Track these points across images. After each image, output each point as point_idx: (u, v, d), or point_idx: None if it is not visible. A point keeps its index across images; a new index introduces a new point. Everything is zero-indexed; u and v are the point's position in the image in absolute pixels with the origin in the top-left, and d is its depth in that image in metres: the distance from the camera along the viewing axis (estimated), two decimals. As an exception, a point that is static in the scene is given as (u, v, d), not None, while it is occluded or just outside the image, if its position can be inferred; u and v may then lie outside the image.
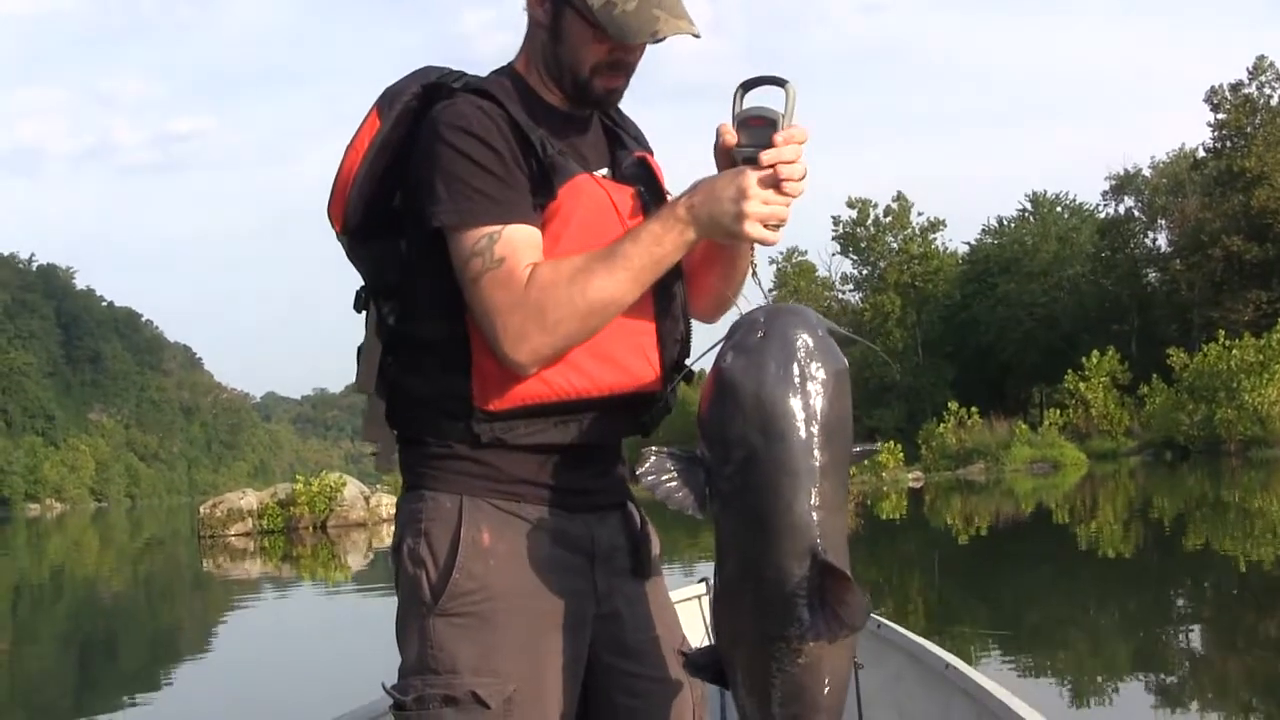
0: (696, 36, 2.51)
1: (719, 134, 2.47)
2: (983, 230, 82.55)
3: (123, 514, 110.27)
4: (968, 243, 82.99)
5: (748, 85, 2.45)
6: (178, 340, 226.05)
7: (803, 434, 2.17)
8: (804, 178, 2.41)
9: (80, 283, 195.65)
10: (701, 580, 6.00)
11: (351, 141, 2.62)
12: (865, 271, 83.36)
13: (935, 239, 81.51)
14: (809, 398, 2.18)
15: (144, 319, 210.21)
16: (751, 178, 2.36)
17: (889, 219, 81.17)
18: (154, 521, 78.16)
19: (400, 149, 2.58)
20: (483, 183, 2.44)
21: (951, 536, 24.07)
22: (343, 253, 2.73)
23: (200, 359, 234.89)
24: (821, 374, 2.19)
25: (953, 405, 56.68)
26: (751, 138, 2.40)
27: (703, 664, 2.52)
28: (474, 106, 2.50)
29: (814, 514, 2.17)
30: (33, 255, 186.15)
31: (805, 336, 2.20)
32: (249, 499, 38.87)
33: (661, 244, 2.42)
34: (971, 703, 4.05)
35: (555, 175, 2.50)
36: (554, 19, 2.57)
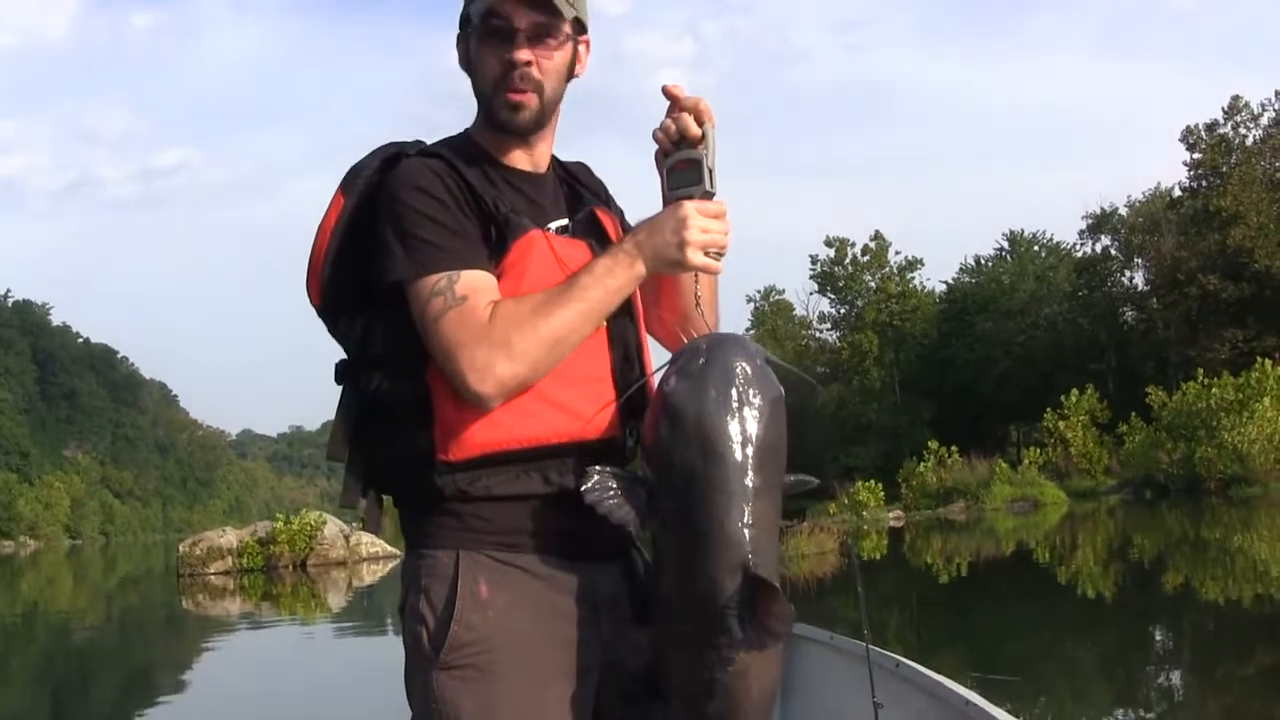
0: (539, 10, 2.62)
1: (655, 139, 2.64)
2: (960, 269, 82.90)
3: (97, 551, 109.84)
4: (945, 281, 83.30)
5: (667, 155, 2.62)
6: (154, 377, 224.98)
7: (738, 456, 2.32)
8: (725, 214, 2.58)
9: (56, 319, 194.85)
10: None
11: (321, 223, 2.69)
12: (843, 310, 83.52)
13: (913, 278, 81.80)
14: (745, 422, 2.33)
15: (120, 355, 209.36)
16: (689, 208, 2.52)
17: (866, 258, 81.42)
18: (129, 559, 77.88)
19: (365, 223, 2.63)
20: (432, 233, 2.52)
21: (932, 575, 24.10)
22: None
23: (176, 396, 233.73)
24: (758, 400, 2.35)
25: (933, 444, 56.70)
26: (681, 179, 2.58)
27: (639, 676, 2.62)
28: (421, 164, 2.59)
29: (746, 531, 2.32)
30: (8, 291, 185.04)
31: (744, 364, 2.36)
32: (229, 537, 38.72)
33: (614, 276, 2.53)
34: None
35: (508, 230, 2.58)
36: (464, 55, 2.72)
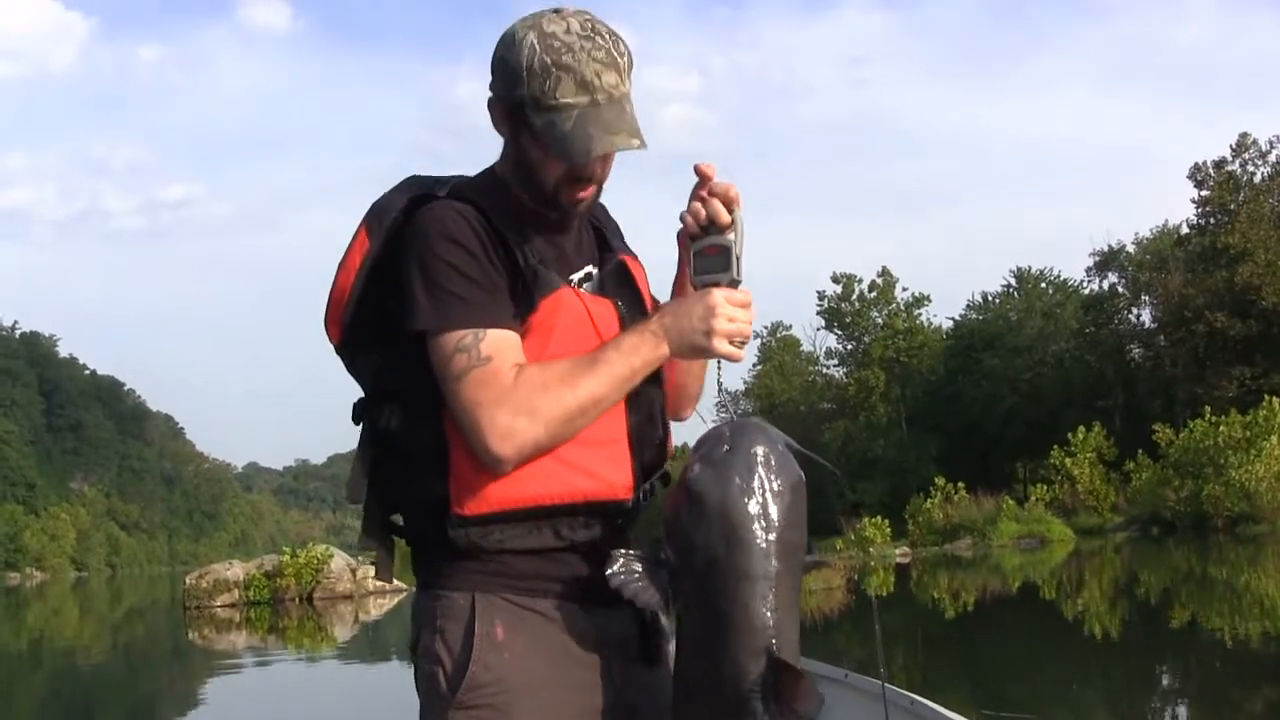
0: (640, 148, 2.56)
1: (683, 221, 2.65)
2: (967, 305, 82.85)
3: (103, 583, 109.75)
4: (952, 318, 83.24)
5: (694, 238, 2.63)
6: (160, 409, 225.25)
7: (762, 543, 2.35)
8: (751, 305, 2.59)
9: (63, 350, 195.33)
10: None
11: (344, 260, 2.68)
12: (850, 346, 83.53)
13: (920, 314, 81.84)
14: (769, 509, 2.37)
15: (126, 388, 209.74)
16: (718, 296, 2.54)
17: (873, 294, 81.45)
18: (134, 591, 77.81)
19: (389, 263, 2.61)
20: (460, 286, 2.51)
21: (939, 611, 24.04)
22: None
23: (182, 428, 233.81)
24: (780, 487, 2.39)
25: (939, 480, 56.62)
26: (709, 265, 2.60)
27: None
28: (452, 211, 2.56)
29: (770, 616, 2.36)
30: (15, 323, 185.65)
31: (767, 452, 2.40)
32: (235, 570, 38.66)
33: (639, 354, 2.54)
34: None
35: (536, 287, 2.56)
36: (514, 137, 2.64)
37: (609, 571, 2.43)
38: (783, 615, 2.38)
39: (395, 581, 38.33)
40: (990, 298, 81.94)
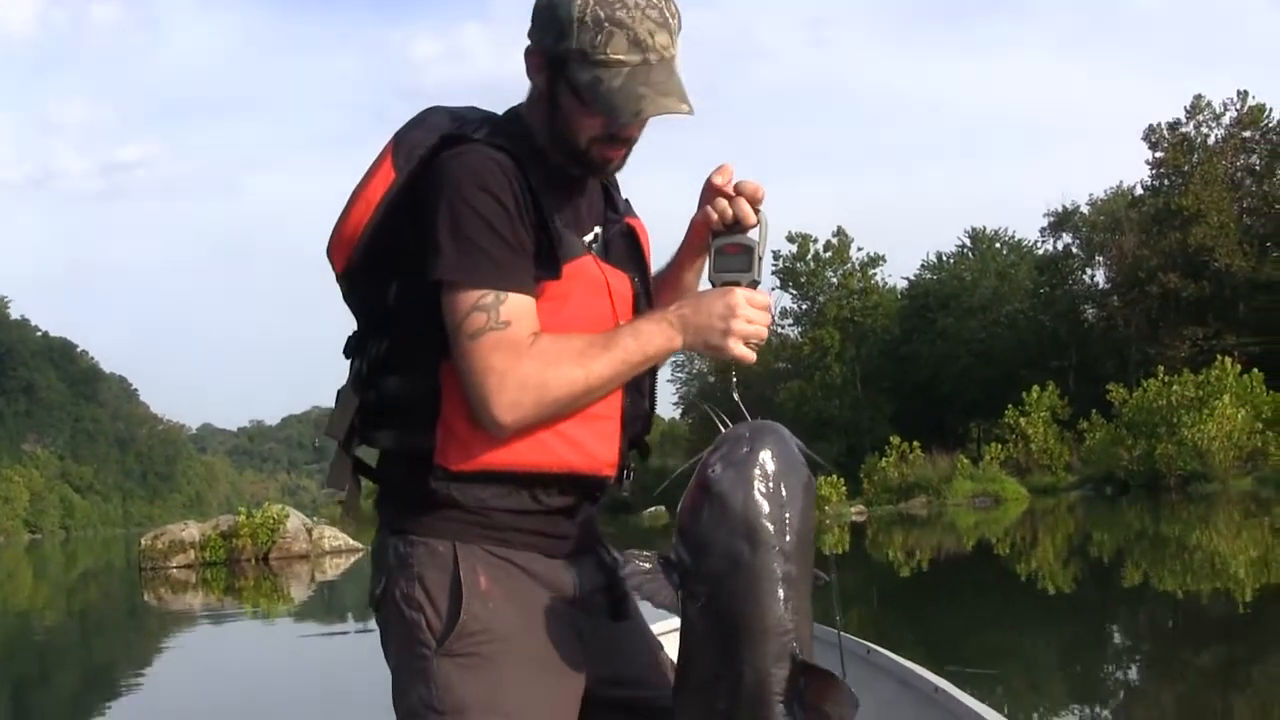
0: (688, 114, 2.52)
1: (704, 213, 2.66)
2: (922, 265, 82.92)
3: (57, 546, 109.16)
4: (907, 278, 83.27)
5: (716, 234, 2.64)
6: (113, 371, 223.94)
7: (781, 545, 2.36)
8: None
9: (14, 312, 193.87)
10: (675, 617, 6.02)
11: (363, 190, 2.63)
12: (805, 306, 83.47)
13: (875, 274, 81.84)
14: (788, 512, 2.37)
15: (79, 349, 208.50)
16: (739, 296, 2.55)
17: (829, 254, 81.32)
18: (89, 553, 77.41)
19: (413, 200, 2.56)
20: (489, 242, 2.46)
21: (894, 570, 24.14)
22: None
23: (136, 390, 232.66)
24: (798, 489, 2.40)
25: (894, 440, 56.88)
26: (729, 264, 2.61)
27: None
28: (490, 161, 2.50)
29: (790, 618, 2.37)
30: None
31: (785, 454, 2.40)
32: (191, 531, 38.62)
33: (653, 343, 2.55)
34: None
35: (560, 251, 2.55)
36: (550, 89, 2.58)
37: (623, 571, 2.43)
38: (800, 617, 2.40)
39: (352, 541, 38.55)
40: (945, 258, 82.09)
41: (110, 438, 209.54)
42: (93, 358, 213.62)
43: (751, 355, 2.58)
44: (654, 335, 2.55)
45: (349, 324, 2.74)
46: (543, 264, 2.53)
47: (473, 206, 2.46)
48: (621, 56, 2.47)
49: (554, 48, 2.53)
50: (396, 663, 2.61)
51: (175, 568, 36.20)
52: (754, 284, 2.61)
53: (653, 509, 55.52)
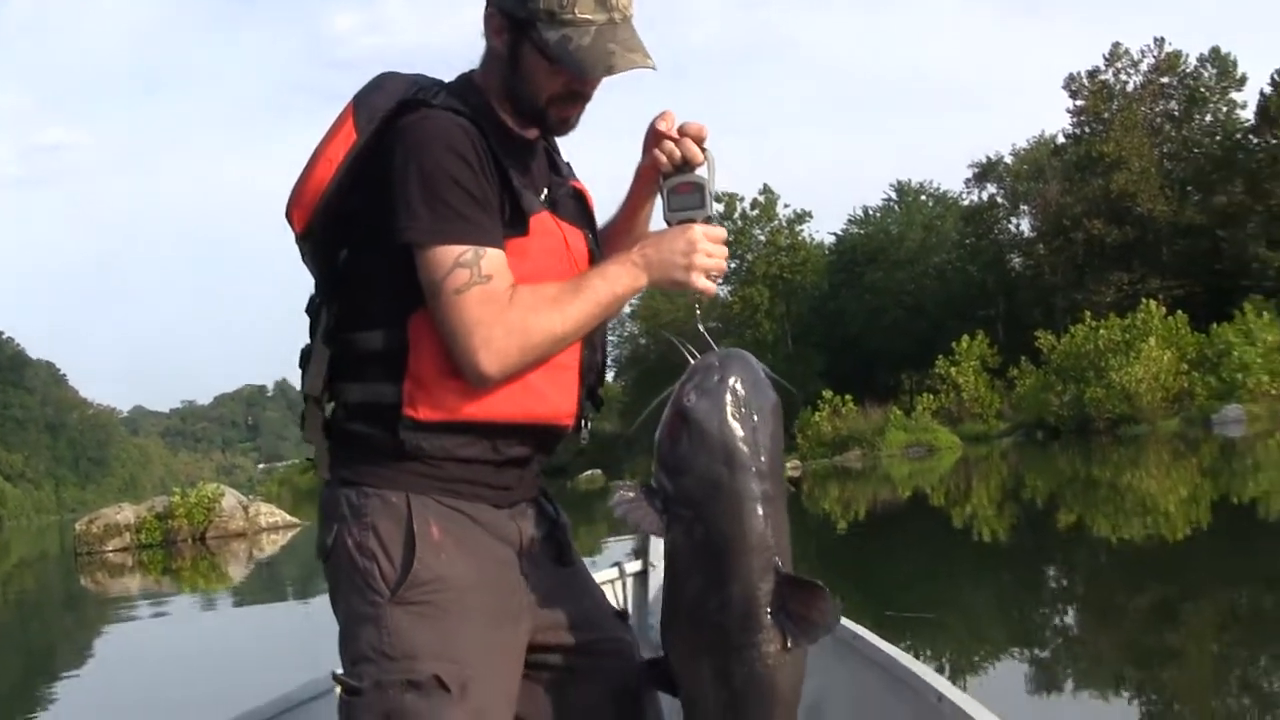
0: (653, 69, 2.62)
1: (653, 157, 2.74)
2: (849, 220, 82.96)
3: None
4: (834, 233, 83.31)
5: (667, 176, 2.73)
6: (40, 357, 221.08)
7: (758, 465, 2.47)
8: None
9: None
10: (614, 565, 6.06)
11: (324, 150, 2.68)
12: (733, 264, 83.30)
13: (802, 230, 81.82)
14: (761, 432, 2.49)
15: (4, 336, 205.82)
16: (698, 232, 2.67)
17: (755, 212, 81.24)
18: (23, 542, 76.67)
19: (375, 162, 2.62)
20: (462, 202, 2.54)
21: (830, 523, 24.23)
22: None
23: (64, 375, 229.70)
24: (768, 411, 2.52)
25: (827, 394, 57.08)
26: (683, 202, 2.71)
27: (649, 674, 2.81)
28: (455, 125, 2.58)
29: (771, 534, 2.48)
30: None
31: (755, 379, 2.53)
32: (126, 513, 38.26)
33: (621, 283, 2.65)
34: (881, 670, 4.10)
35: (524, 208, 2.64)
36: (512, 50, 2.67)
37: (612, 502, 2.51)
38: (779, 532, 2.51)
39: (289, 517, 38.42)
40: (871, 212, 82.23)
41: (40, 424, 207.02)
42: (18, 344, 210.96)
43: (713, 288, 2.71)
44: (621, 276, 2.65)
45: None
46: (508, 221, 2.62)
47: (443, 168, 2.53)
48: (589, 16, 2.57)
49: (519, 9, 2.62)
50: (346, 611, 2.64)
51: (111, 551, 35.90)
52: (709, 219, 2.71)
53: (588, 473, 55.53)
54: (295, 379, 2.83)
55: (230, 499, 38.60)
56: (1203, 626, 10.46)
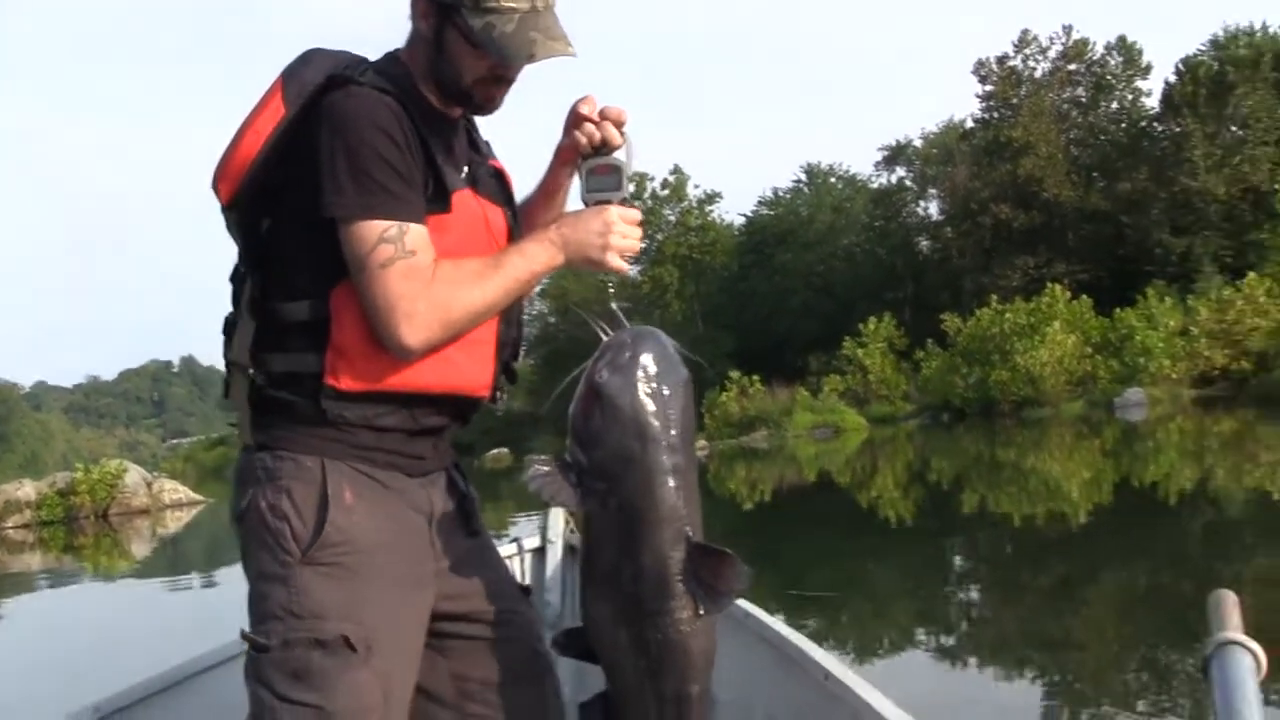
0: (573, 56, 2.72)
1: (572, 139, 2.82)
2: (759, 202, 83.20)
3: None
4: (744, 215, 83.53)
5: (586, 157, 2.82)
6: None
7: (669, 439, 2.57)
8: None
9: None
10: (513, 541, 6.05)
11: (251, 122, 2.72)
12: (643, 244, 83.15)
13: (712, 211, 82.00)
14: (672, 407, 2.58)
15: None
16: (614, 213, 2.77)
17: (666, 192, 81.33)
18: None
19: (301, 136, 2.67)
20: (388, 178, 2.61)
21: (737, 503, 24.28)
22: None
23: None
24: (679, 387, 2.62)
25: (735, 374, 57.23)
26: (601, 184, 2.81)
27: (568, 643, 2.88)
28: (381, 103, 2.65)
29: (682, 505, 2.58)
30: None
31: (665, 356, 2.63)
32: (26, 489, 37.84)
33: (538, 261, 2.75)
34: (771, 649, 4.12)
35: (446, 185, 2.73)
36: (437, 33, 2.75)
37: (526, 476, 2.57)
38: (690, 504, 2.61)
39: (193, 494, 38.13)
40: (781, 194, 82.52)
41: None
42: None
43: (627, 267, 2.84)
44: (538, 253, 2.74)
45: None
46: (431, 197, 2.69)
47: (369, 144, 2.60)
48: (512, 3, 2.66)
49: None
50: (256, 570, 2.69)
51: (11, 528, 35.49)
52: (625, 201, 2.82)
53: (494, 451, 55.45)
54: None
55: (134, 475, 38.40)
56: (1103, 606, 10.57)
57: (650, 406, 2.55)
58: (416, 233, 2.62)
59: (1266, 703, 1.84)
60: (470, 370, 2.81)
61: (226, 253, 2.93)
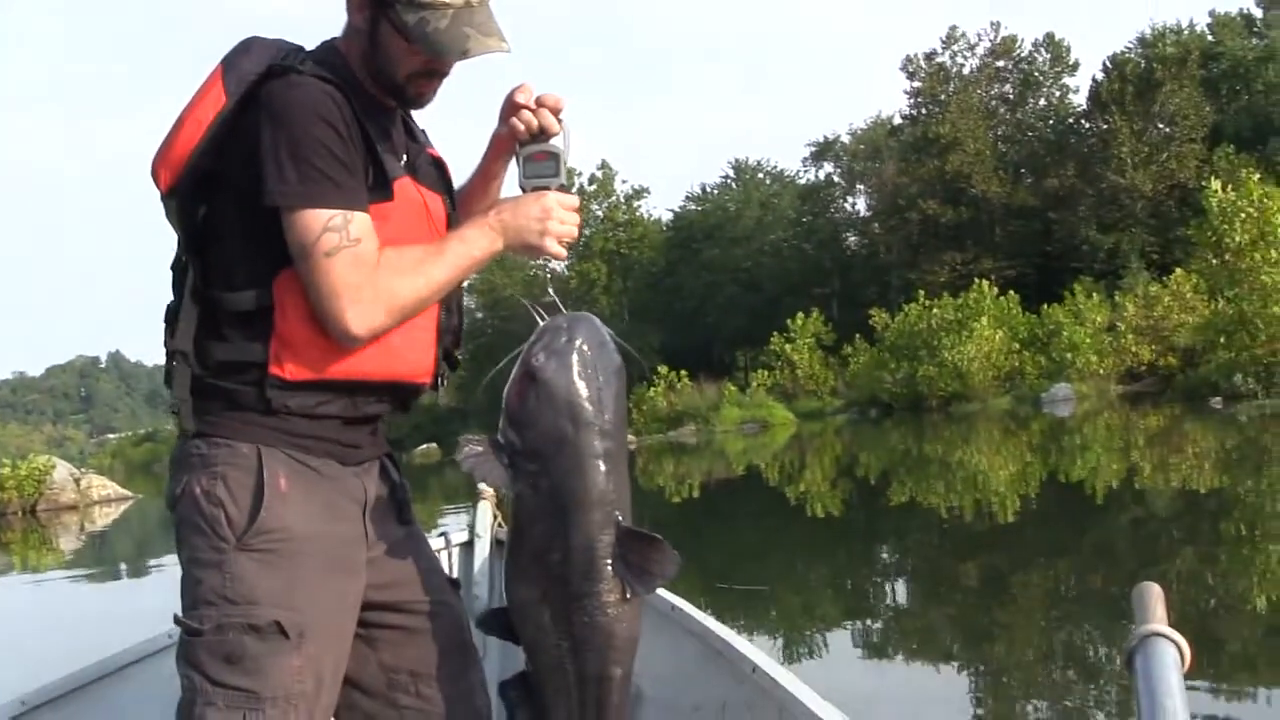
0: (507, 52, 2.73)
1: (510, 125, 2.84)
2: (687, 197, 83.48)
3: None
4: (672, 210, 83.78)
5: (524, 144, 2.84)
6: None
7: (601, 423, 2.61)
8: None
9: None
10: (441, 534, 5.99)
11: (192, 111, 2.71)
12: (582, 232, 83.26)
13: (639, 206, 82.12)
14: (605, 393, 2.62)
15: None
16: (552, 199, 2.80)
17: (593, 187, 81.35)
18: None
19: (242, 125, 2.67)
20: (331, 166, 2.61)
21: (665, 498, 24.24)
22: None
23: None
24: (612, 372, 2.65)
25: (662, 369, 57.31)
26: (539, 170, 2.84)
27: (492, 623, 2.92)
28: (323, 92, 2.65)
29: (613, 489, 2.62)
30: None
31: (600, 342, 2.65)
32: (-49, 486, 37.46)
33: (478, 247, 2.77)
34: (698, 642, 4.14)
35: (387, 174, 2.74)
36: (371, 28, 2.77)
37: (458, 455, 2.62)
38: (620, 488, 2.65)
39: (121, 490, 37.88)
40: (709, 189, 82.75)
41: None
42: None
43: (564, 253, 2.85)
44: (479, 239, 2.77)
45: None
46: (372, 186, 2.71)
47: (311, 133, 2.60)
48: (446, 1, 2.67)
49: None
50: (190, 556, 2.69)
51: (-64, 525, 35.11)
52: (563, 187, 2.84)
53: (424, 446, 55.36)
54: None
55: (61, 471, 38.55)
56: (1030, 600, 10.56)
57: (584, 390, 2.59)
58: (361, 221, 2.63)
59: (1189, 694, 1.79)
60: (412, 357, 2.83)
61: (158, 247, 2.90)
